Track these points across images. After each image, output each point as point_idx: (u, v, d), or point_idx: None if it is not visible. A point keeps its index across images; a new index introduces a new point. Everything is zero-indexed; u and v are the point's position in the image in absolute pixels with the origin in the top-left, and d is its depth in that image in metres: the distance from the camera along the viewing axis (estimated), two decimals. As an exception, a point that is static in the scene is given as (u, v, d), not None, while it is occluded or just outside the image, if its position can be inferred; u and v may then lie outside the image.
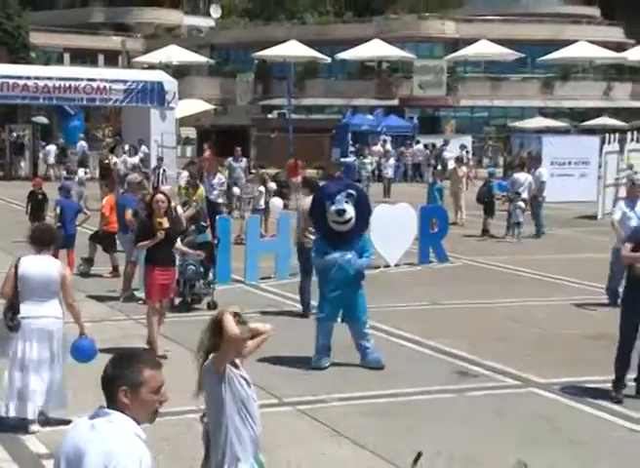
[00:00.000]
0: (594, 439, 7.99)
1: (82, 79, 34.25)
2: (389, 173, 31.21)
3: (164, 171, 25.76)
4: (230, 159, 25.32)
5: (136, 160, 28.01)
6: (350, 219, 9.87)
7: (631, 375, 9.25)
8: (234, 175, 24.46)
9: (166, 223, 10.60)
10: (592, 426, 8.41)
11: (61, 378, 8.09)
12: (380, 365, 10.00)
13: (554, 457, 7.50)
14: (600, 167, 26.77)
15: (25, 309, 7.88)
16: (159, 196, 10.96)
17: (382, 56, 54.05)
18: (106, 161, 27.62)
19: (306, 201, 12.49)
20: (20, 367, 7.95)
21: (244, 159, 26.02)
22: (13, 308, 7.92)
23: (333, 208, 9.85)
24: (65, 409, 8.00)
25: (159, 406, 3.64)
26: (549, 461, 7.42)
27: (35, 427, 7.92)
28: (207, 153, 28.45)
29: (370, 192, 25.96)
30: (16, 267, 7.99)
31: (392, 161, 32.42)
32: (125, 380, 3.54)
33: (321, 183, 12.14)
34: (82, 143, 36.60)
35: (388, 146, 36.92)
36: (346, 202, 9.87)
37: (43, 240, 8.14)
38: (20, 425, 7.97)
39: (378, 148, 36.52)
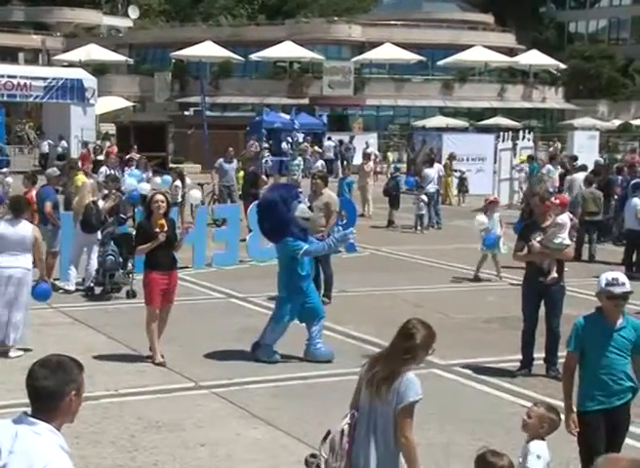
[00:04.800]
0: (490, 416, 8.13)
1: (3, 76, 33.34)
2: None
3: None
4: (221, 160, 21.74)
5: None
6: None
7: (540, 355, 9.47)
8: (226, 178, 21.37)
9: (166, 225, 9.48)
10: (488, 404, 8.56)
11: (27, 317, 9.59)
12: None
13: (452, 434, 7.61)
14: (495, 162, 27.29)
15: (2, 260, 9.27)
16: (158, 196, 9.70)
17: (294, 57, 54.15)
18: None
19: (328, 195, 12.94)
20: None
21: (235, 160, 22.34)
22: None
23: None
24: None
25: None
26: (447, 437, 7.53)
27: (13, 353, 9.32)
28: (114, 149, 28.12)
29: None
30: None
31: (321, 162, 31.60)
32: (75, 385, 3.33)
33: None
34: None
35: (317, 148, 36.48)
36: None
37: (19, 207, 9.60)
38: (3, 352, 9.38)
39: (284, 145, 36.32)
